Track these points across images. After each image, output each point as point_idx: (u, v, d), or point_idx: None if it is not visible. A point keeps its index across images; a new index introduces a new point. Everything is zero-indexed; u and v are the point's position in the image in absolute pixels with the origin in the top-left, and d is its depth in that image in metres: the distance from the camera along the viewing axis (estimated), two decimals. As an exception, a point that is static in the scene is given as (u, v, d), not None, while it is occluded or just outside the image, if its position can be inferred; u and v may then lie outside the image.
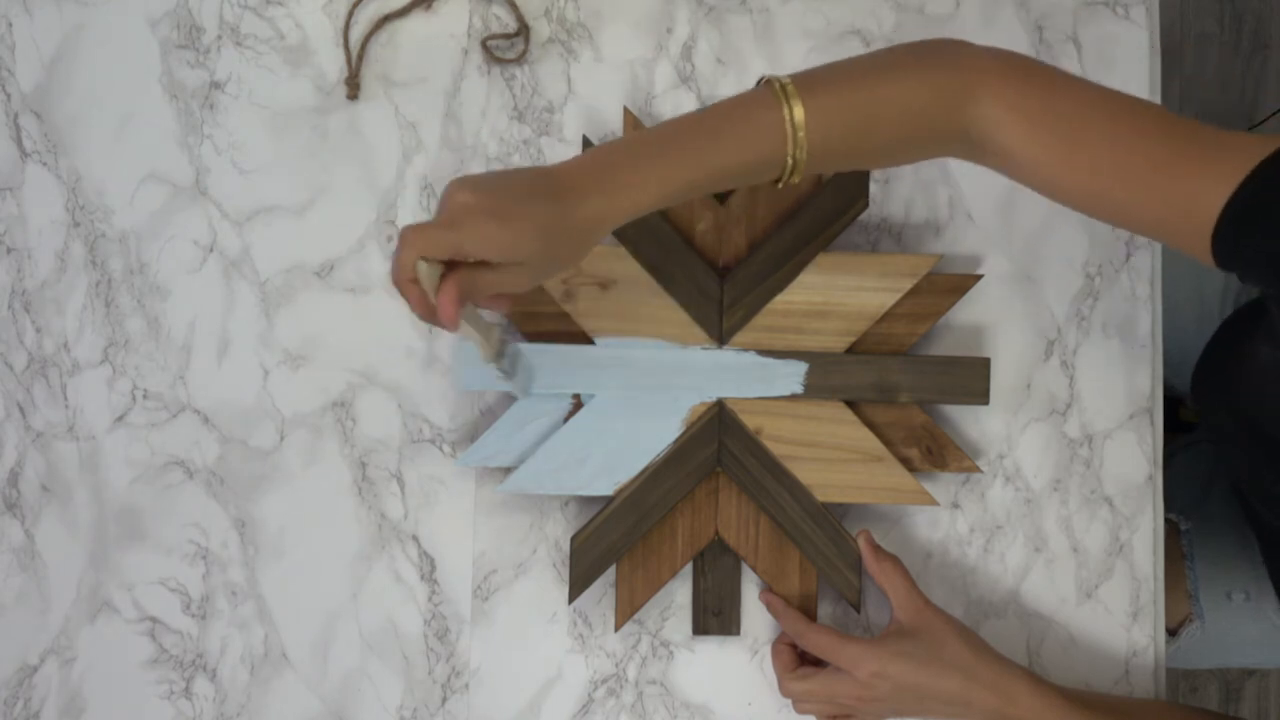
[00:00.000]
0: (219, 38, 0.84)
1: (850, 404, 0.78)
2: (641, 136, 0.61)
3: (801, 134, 0.60)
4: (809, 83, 0.61)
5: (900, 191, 0.82)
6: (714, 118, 0.61)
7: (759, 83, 0.63)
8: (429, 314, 0.59)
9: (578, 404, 0.78)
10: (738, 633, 0.79)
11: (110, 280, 0.83)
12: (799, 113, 0.60)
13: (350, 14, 0.83)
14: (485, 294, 0.60)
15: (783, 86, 0.61)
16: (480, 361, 0.64)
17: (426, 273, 0.57)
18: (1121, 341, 0.81)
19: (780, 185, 0.63)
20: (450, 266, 0.58)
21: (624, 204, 0.59)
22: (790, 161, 0.61)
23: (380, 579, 0.81)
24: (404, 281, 0.58)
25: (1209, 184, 0.57)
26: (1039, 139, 0.61)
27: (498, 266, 0.58)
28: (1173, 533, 0.94)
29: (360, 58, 0.83)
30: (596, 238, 0.60)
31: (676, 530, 0.78)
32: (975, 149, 0.64)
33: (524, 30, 0.83)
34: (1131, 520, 0.80)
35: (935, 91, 0.62)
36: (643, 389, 0.77)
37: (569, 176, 0.59)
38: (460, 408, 0.81)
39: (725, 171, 0.61)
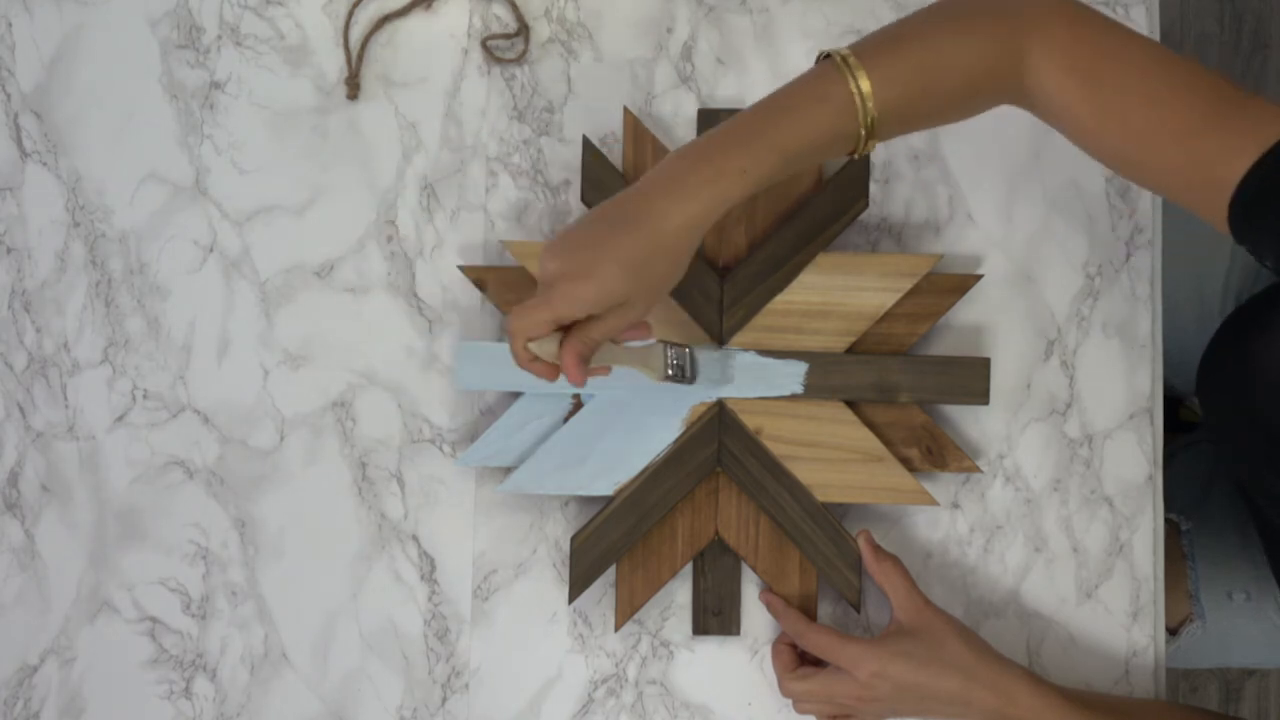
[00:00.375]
0: (219, 38, 0.84)
1: (850, 404, 0.78)
2: (718, 130, 0.62)
3: (870, 103, 0.60)
4: (870, 52, 0.62)
5: (900, 191, 0.82)
6: (782, 100, 0.62)
7: (818, 59, 0.63)
8: (572, 380, 0.62)
9: (578, 404, 0.78)
10: (738, 633, 0.79)
11: (110, 280, 0.83)
12: (865, 83, 0.60)
13: (350, 14, 0.83)
14: (609, 338, 0.63)
15: (844, 59, 0.61)
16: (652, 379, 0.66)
17: (542, 349, 0.61)
18: (1121, 341, 0.81)
19: (855, 156, 0.63)
20: (566, 329, 0.61)
21: (703, 205, 0.60)
22: (863, 132, 0.61)
23: (380, 579, 0.81)
24: (527, 364, 0.62)
25: (1231, 153, 0.57)
26: (1082, 95, 0.61)
27: (606, 314, 0.61)
28: (1173, 533, 0.94)
29: (360, 58, 0.83)
30: (689, 245, 0.62)
31: (676, 530, 0.78)
32: (1027, 99, 0.64)
33: (524, 30, 0.83)
34: (1131, 520, 0.80)
35: (994, 45, 0.62)
36: (643, 389, 0.77)
37: (642, 196, 0.60)
38: (460, 408, 0.81)
39: (801, 151, 0.61)
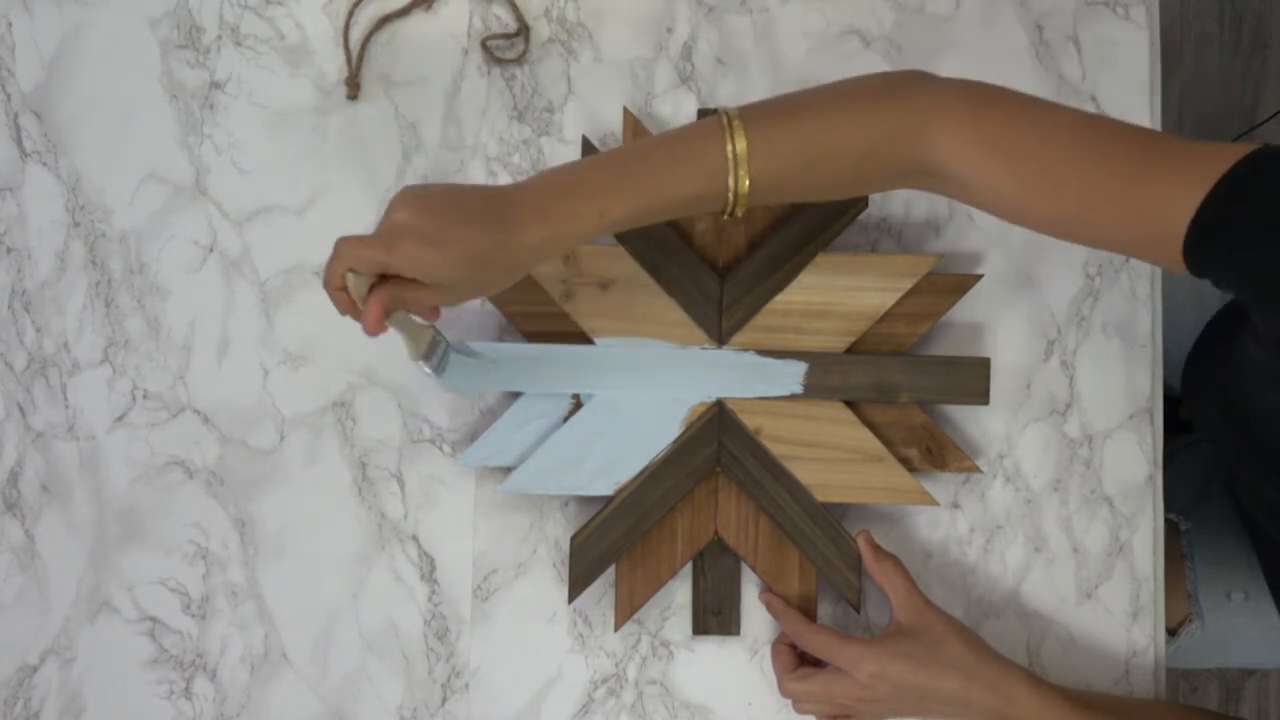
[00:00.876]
0: (219, 38, 0.84)
1: (850, 404, 0.78)
2: (591, 164, 0.62)
3: (743, 168, 0.60)
4: (757, 115, 0.61)
5: (900, 191, 0.82)
6: (661, 147, 0.62)
7: (704, 113, 0.63)
8: (355, 317, 0.62)
9: (578, 404, 0.78)
10: (738, 633, 0.79)
11: (110, 280, 0.83)
12: (741, 145, 0.60)
13: (350, 14, 0.83)
14: (412, 308, 0.63)
15: (729, 119, 0.61)
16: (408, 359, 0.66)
17: (354, 283, 0.61)
18: (1121, 341, 0.81)
19: (726, 217, 0.63)
20: (380, 277, 0.61)
21: (565, 234, 0.61)
22: (731, 196, 0.61)
23: (380, 579, 0.81)
24: (333, 289, 0.61)
25: (1176, 197, 0.57)
26: (1002, 169, 0.61)
27: (425, 285, 0.60)
28: (1173, 533, 0.94)
29: (360, 58, 0.83)
30: (530, 266, 0.62)
31: (676, 530, 0.78)
32: (935, 182, 0.64)
33: (524, 30, 0.83)
34: (1131, 520, 0.80)
35: (887, 128, 0.62)
36: (643, 389, 0.77)
37: (516, 202, 0.60)
38: (460, 408, 0.81)
39: (670, 203, 0.61)
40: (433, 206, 0.59)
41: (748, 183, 0.61)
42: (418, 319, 0.66)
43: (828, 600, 0.80)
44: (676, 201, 0.61)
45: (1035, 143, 0.61)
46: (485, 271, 0.60)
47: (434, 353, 0.66)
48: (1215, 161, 0.56)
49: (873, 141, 0.62)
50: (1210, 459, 0.99)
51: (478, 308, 0.81)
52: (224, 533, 0.81)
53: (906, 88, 0.63)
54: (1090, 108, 0.82)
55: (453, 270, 0.59)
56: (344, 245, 0.60)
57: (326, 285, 0.61)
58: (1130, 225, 0.59)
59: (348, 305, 0.62)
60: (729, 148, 0.60)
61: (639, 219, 0.62)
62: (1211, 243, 0.57)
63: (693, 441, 0.77)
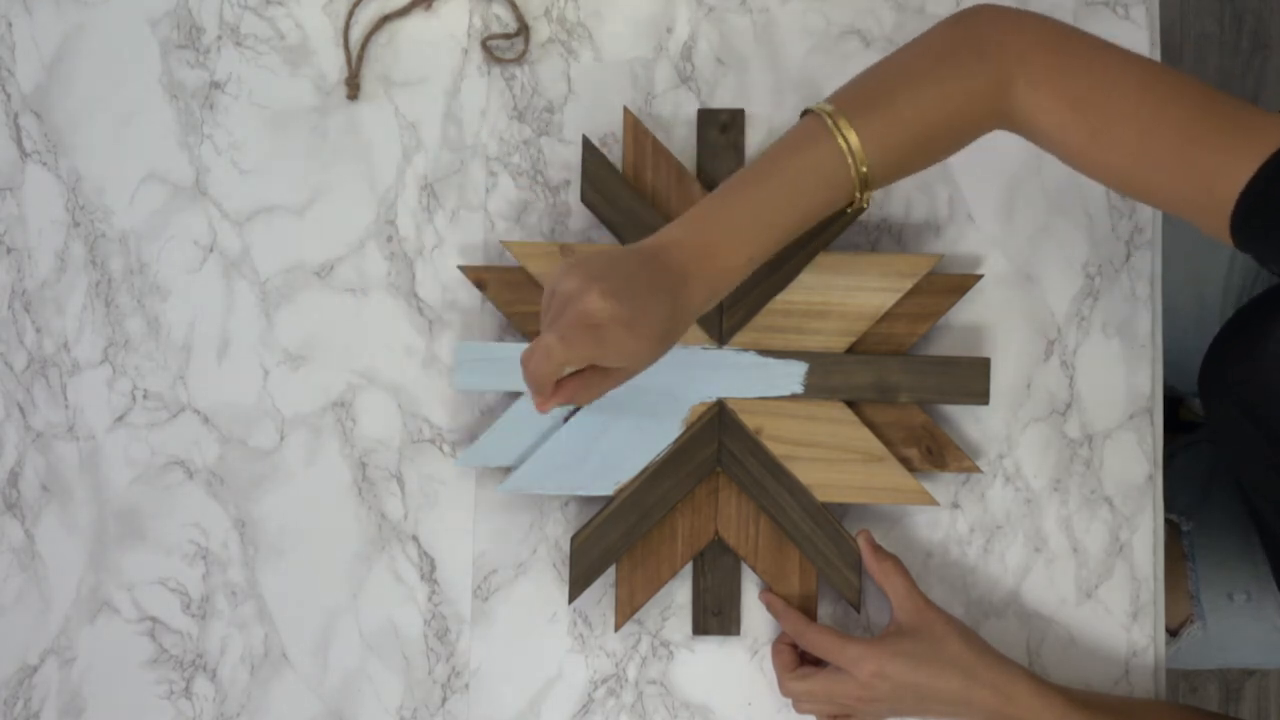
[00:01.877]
0: (219, 38, 0.84)
1: (850, 404, 0.78)
2: (723, 213, 0.61)
3: (862, 163, 0.61)
4: (855, 106, 0.61)
5: (900, 191, 0.82)
6: (780, 171, 0.61)
7: (803, 114, 0.63)
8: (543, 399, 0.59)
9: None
10: (738, 633, 0.79)
11: (110, 280, 0.83)
12: (855, 141, 0.60)
13: (350, 14, 0.83)
14: (591, 397, 0.61)
15: (832, 118, 0.61)
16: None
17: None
18: (1121, 341, 0.81)
19: (850, 210, 0.64)
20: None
21: (721, 289, 0.61)
22: (858, 192, 0.62)
23: (380, 579, 0.81)
24: (546, 387, 0.58)
25: (1231, 164, 0.57)
26: (1073, 119, 0.61)
27: (624, 370, 0.60)
28: (1174, 533, 0.94)
29: (360, 58, 0.83)
30: (689, 326, 0.61)
31: (676, 530, 0.78)
32: (1017, 128, 0.65)
33: (524, 30, 0.83)
34: (1131, 520, 0.80)
35: (977, 87, 0.62)
36: (643, 389, 0.77)
37: (676, 272, 0.59)
38: (460, 408, 0.81)
39: (805, 222, 0.62)
40: (616, 287, 0.57)
41: (867, 173, 0.61)
42: None
43: (828, 600, 0.80)
44: (811, 217, 0.62)
45: (1102, 93, 0.61)
46: (668, 344, 0.59)
47: None
48: (1276, 132, 0.56)
49: (967, 104, 0.63)
50: (1211, 459, 0.99)
51: (478, 308, 0.81)
52: (224, 533, 0.81)
53: (986, 38, 0.63)
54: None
55: (649, 352, 0.58)
56: (554, 346, 0.56)
57: (536, 385, 0.57)
58: (1182, 187, 0.59)
59: (546, 404, 0.59)
60: (843, 147, 0.60)
61: (779, 247, 0.62)
62: (1260, 216, 0.56)
63: (693, 441, 0.77)
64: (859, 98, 0.62)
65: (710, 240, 0.61)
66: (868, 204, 0.63)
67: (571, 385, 0.59)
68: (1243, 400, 0.74)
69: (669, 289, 0.59)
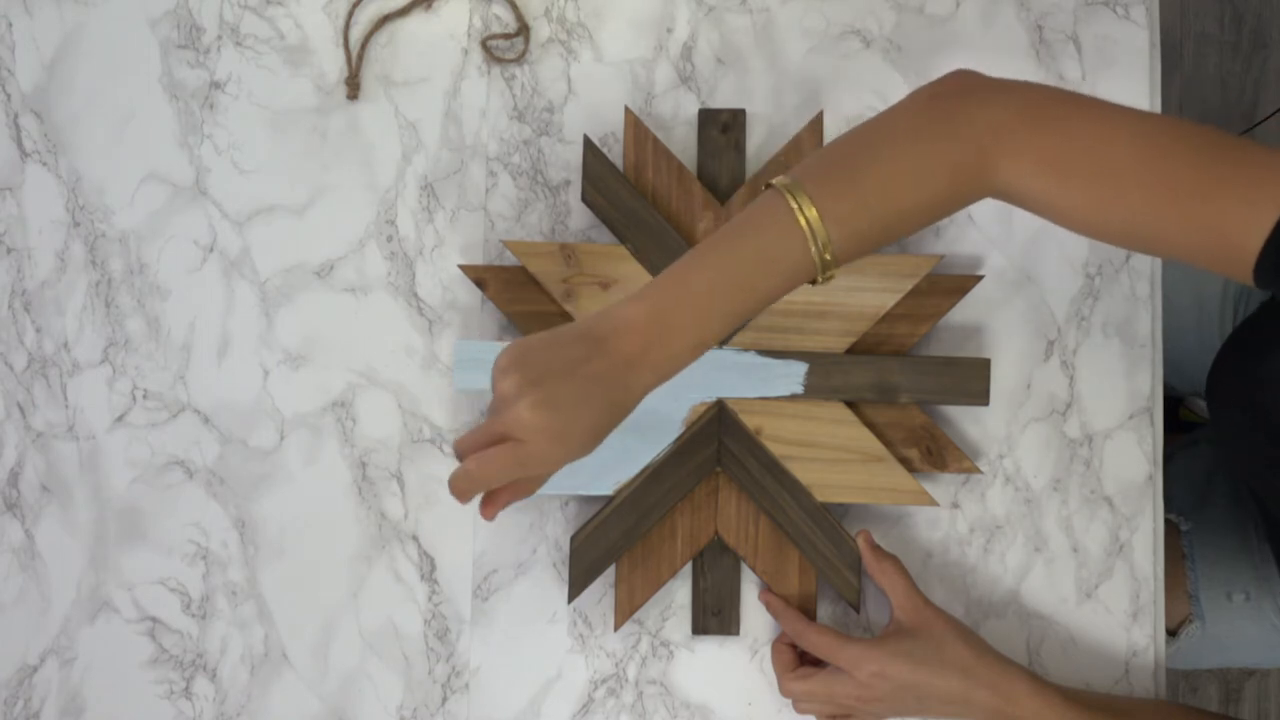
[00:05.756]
0: (219, 38, 0.84)
1: (850, 404, 0.78)
2: (676, 296, 0.59)
3: (826, 250, 0.58)
4: (819, 187, 0.59)
5: (900, 191, 0.82)
6: (739, 253, 0.59)
7: (765, 187, 0.60)
8: (465, 500, 0.60)
9: (578, 404, 0.78)
10: (737, 633, 0.79)
11: (110, 280, 0.83)
12: (819, 228, 0.58)
13: (350, 14, 0.83)
14: (525, 491, 0.63)
15: (795, 199, 0.58)
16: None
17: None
18: (1121, 341, 0.81)
19: (816, 285, 0.61)
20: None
21: (668, 374, 0.59)
22: (819, 276, 0.60)
23: (380, 579, 0.81)
24: (467, 498, 0.59)
25: (1247, 214, 0.54)
26: (1069, 189, 0.59)
27: (552, 471, 0.60)
28: (1173, 533, 0.94)
29: (360, 58, 0.83)
30: (632, 410, 0.60)
31: (676, 530, 0.78)
32: (1007, 199, 0.62)
33: (524, 30, 0.83)
34: (1131, 520, 0.80)
35: (951, 167, 0.60)
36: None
37: (625, 352, 0.58)
38: (460, 408, 0.81)
39: (759, 305, 0.60)
40: (551, 394, 0.56)
41: (829, 257, 0.59)
42: None
43: (828, 600, 0.80)
44: (768, 300, 0.60)
45: (1097, 156, 0.58)
46: (598, 441, 0.59)
47: None
48: None
49: (942, 181, 0.60)
50: (1211, 459, 0.99)
51: (478, 307, 0.81)
52: (224, 533, 0.81)
53: (958, 113, 0.60)
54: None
55: (577, 454, 0.58)
56: (479, 469, 0.57)
57: (459, 495, 0.59)
58: (1198, 239, 0.57)
59: (466, 496, 0.60)
60: (805, 230, 0.58)
61: (734, 329, 0.62)
62: None
63: (693, 441, 0.77)
64: (824, 178, 0.59)
65: (664, 325, 0.58)
66: (831, 279, 0.60)
67: (504, 495, 0.61)
68: (1251, 404, 0.74)
69: (609, 385, 0.57)
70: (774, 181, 0.60)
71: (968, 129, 0.60)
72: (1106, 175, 0.58)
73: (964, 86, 0.62)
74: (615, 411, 0.58)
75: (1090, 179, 0.58)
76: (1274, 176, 0.55)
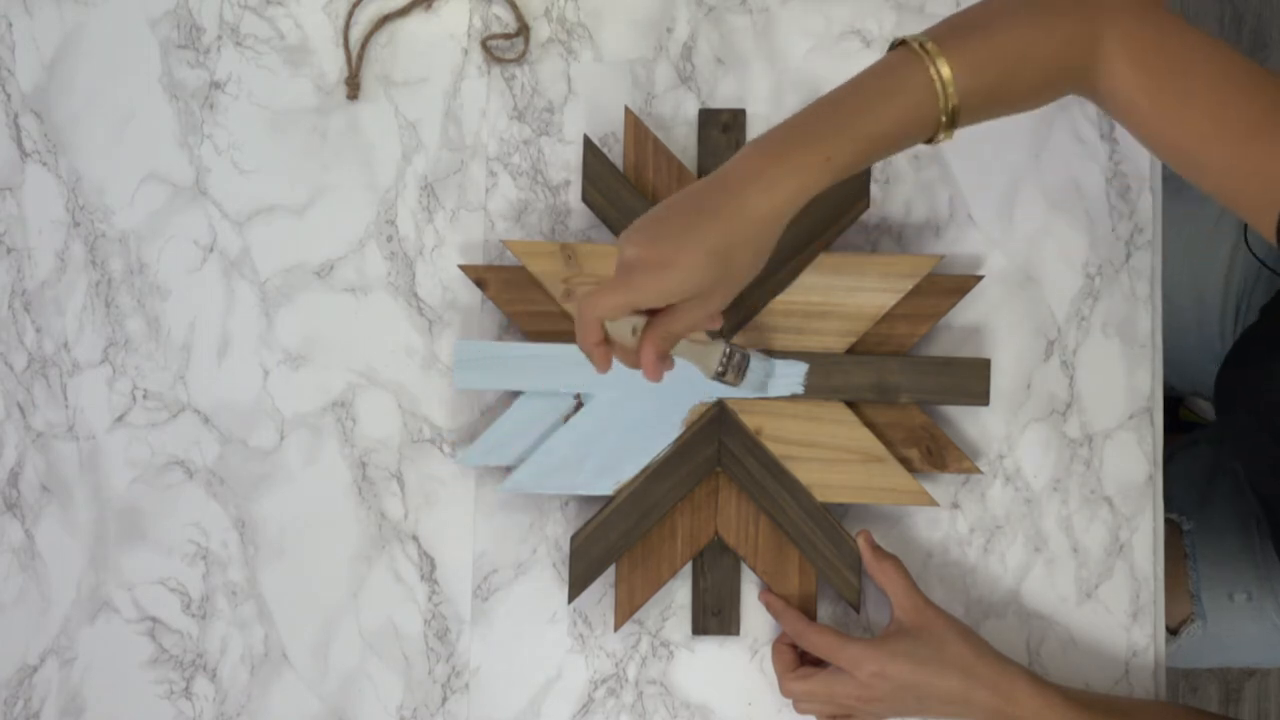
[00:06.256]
0: (219, 38, 0.84)
1: (850, 404, 0.78)
2: (795, 121, 0.61)
3: (951, 90, 0.60)
4: (948, 39, 0.61)
5: (900, 191, 0.82)
6: (862, 89, 0.61)
7: (892, 45, 0.62)
8: (633, 364, 0.61)
9: (578, 403, 0.78)
10: (737, 633, 0.79)
11: (110, 280, 0.83)
12: (946, 70, 0.60)
13: (350, 14, 0.83)
14: (687, 332, 0.61)
15: (923, 46, 0.60)
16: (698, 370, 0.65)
17: (619, 332, 0.60)
18: (1121, 341, 0.81)
19: (933, 143, 0.63)
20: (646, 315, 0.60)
21: (788, 194, 0.59)
22: (944, 119, 0.61)
23: (380, 579, 0.81)
24: (591, 347, 0.60)
25: None
26: (1146, 89, 0.61)
27: (686, 305, 0.59)
28: (1175, 533, 0.94)
29: (360, 58, 0.83)
30: (772, 236, 0.60)
31: (676, 530, 0.78)
32: (1093, 90, 0.64)
33: (524, 30, 0.83)
34: (1131, 520, 0.80)
35: (1068, 35, 0.62)
36: (643, 389, 0.77)
37: (729, 179, 0.59)
38: (460, 408, 0.81)
39: (883, 140, 0.61)
40: (652, 230, 0.59)
41: (957, 106, 0.60)
42: (699, 338, 0.65)
43: (828, 600, 0.80)
44: (893, 134, 0.61)
45: (1180, 70, 0.61)
46: (730, 263, 0.59)
47: (729, 365, 0.65)
48: None
49: (1056, 49, 0.62)
50: (1211, 459, 0.99)
51: (478, 307, 0.81)
52: (224, 533, 0.81)
53: None
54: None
55: (699, 279, 0.58)
56: (584, 303, 0.58)
57: (584, 347, 0.60)
58: (1237, 176, 0.59)
59: (608, 359, 0.61)
60: (933, 73, 0.60)
61: (862, 160, 0.61)
62: None
63: (693, 441, 0.77)
64: (953, 34, 0.62)
65: (780, 140, 0.60)
66: (949, 139, 0.62)
67: (648, 337, 0.60)
68: (1260, 405, 0.74)
69: (714, 209, 0.58)
70: (905, 37, 0.62)
71: (1092, 6, 0.62)
72: (1183, 89, 0.61)
73: None
74: (729, 229, 0.58)
75: (1168, 88, 0.61)
76: None
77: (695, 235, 0.58)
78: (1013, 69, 0.62)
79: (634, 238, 0.59)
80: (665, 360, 0.62)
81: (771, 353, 0.77)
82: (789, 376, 0.77)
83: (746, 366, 0.65)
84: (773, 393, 0.77)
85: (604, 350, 0.60)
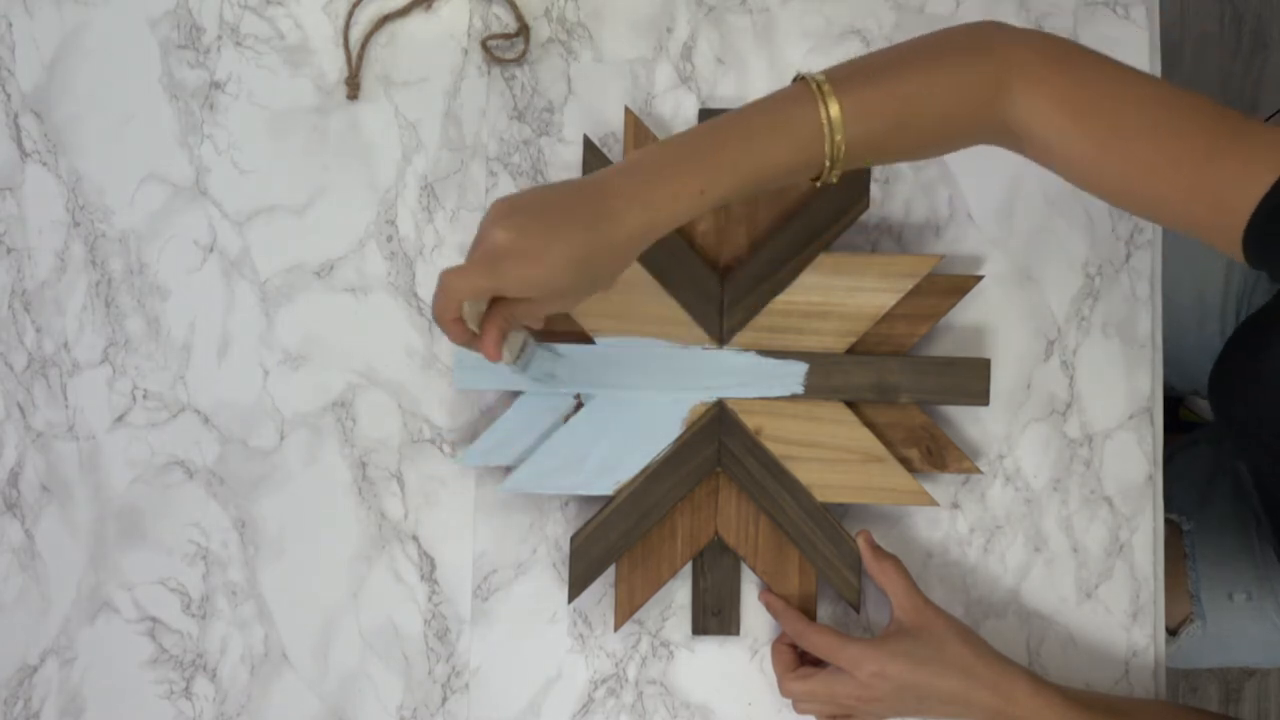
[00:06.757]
0: (219, 38, 0.84)
1: (850, 404, 0.78)
2: (679, 142, 0.60)
3: (839, 134, 0.59)
4: (844, 79, 0.60)
5: (900, 191, 0.82)
6: (750, 119, 0.61)
7: (794, 79, 0.62)
8: (472, 344, 0.62)
9: (578, 404, 0.78)
10: (737, 633, 0.79)
11: (110, 280, 0.83)
12: (835, 110, 0.59)
13: (350, 14, 0.83)
14: (528, 323, 0.62)
15: (818, 84, 0.60)
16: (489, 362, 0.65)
17: (470, 311, 0.61)
18: (1121, 341, 0.81)
19: (819, 184, 0.62)
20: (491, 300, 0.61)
21: (663, 217, 0.59)
22: (828, 162, 0.60)
23: (380, 579, 0.81)
24: (447, 321, 0.60)
25: (1243, 180, 0.56)
26: (1077, 130, 0.60)
27: (537, 301, 0.60)
28: (1175, 533, 0.94)
29: (360, 58, 0.83)
30: (634, 254, 0.61)
31: (676, 530, 0.78)
32: (1014, 140, 0.63)
33: (524, 30, 0.83)
34: (1131, 520, 0.80)
35: (972, 84, 0.61)
36: (643, 389, 0.77)
37: (608, 191, 0.59)
38: (460, 408, 0.81)
39: (764, 174, 0.60)
40: (527, 220, 0.58)
41: (844, 149, 0.60)
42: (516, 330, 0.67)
43: (828, 600, 0.80)
44: (772, 171, 0.60)
45: (1110, 103, 0.60)
46: (590, 271, 0.59)
47: (524, 353, 0.68)
48: None
49: (959, 99, 0.61)
50: (1211, 459, 0.99)
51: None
52: (224, 533, 0.81)
53: (988, 41, 0.62)
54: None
55: (560, 280, 0.58)
56: (448, 278, 0.58)
57: (439, 319, 0.60)
58: (1193, 202, 0.58)
59: (463, 336, 0.61)
60: (823, 113, 0.59)
61: (739, 194, 0.60)
62: (1274, 232, 0.56)
63: (693, 441, 0.77)
64: (850, 75, 0.61)
65: (660, 163, 0.59)
66: (833, 179, 0.61)
67: (493, 318, 0.61)
68: (1254, 403, 0.74)
69: (592, 216, 0.58)
70: (803, 74, 0.61)
71: (991, 56, 0.62)
72: (1115, 123, 0.60)
73: (997, 26, 0.64)
74: (600, 240, 0.58)
75: (1099, 123, 0.60)
76: (1272, 149, 0.56)
77: (564, 240, 0.58)
78: (907, 116, 0.61)
79: (504, 221, 0.58)
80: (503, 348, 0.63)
81: (772, 353, 0.77)
82: (789, 376, 0.77)
83: (532, 356, 0.69)
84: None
85: (460, 326, 0.61)
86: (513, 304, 0.61)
